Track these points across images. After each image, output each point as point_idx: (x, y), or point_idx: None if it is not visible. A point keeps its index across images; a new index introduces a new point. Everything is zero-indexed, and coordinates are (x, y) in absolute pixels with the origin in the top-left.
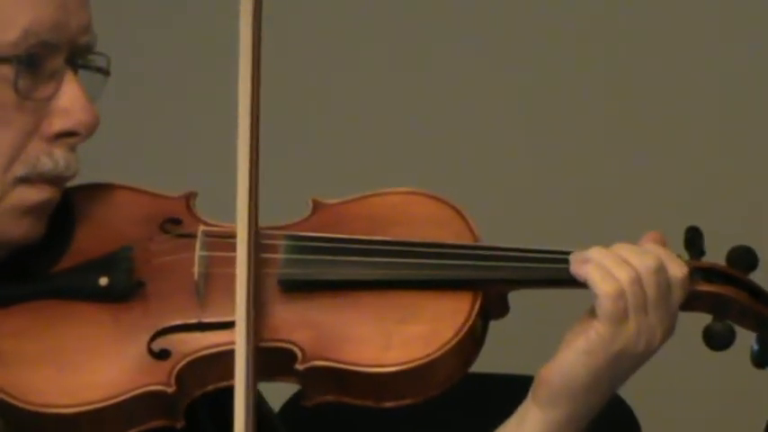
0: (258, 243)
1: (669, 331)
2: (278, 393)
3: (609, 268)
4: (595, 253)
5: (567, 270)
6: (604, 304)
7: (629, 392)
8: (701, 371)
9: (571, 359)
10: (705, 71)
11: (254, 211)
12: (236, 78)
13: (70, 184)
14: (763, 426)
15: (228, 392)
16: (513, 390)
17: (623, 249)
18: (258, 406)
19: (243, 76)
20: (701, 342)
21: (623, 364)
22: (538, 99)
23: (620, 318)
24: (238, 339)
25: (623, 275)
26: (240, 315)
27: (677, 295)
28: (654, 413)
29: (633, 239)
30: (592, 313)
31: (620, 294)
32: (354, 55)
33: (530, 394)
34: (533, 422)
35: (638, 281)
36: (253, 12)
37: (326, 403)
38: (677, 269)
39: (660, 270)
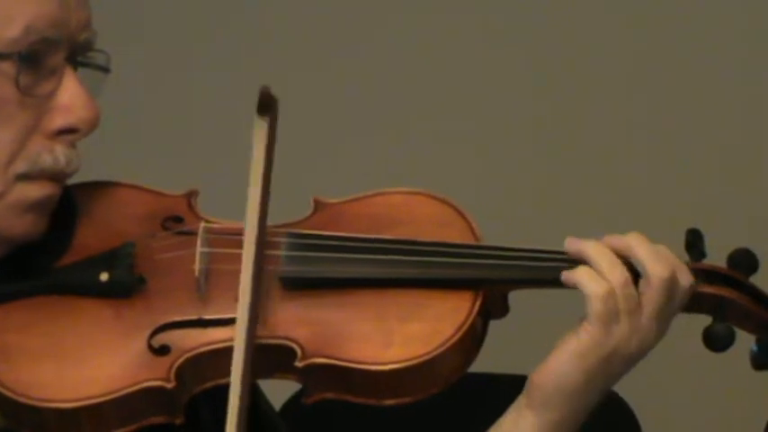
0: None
1: (663, 333)
2: (279, 392)
3: (601, 270)
4: (591, 249)
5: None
6: (595, 305)
7: (630, 392)
8: (701, 371)
9: (563, 361)
10: (707, 73)
11: (264, 210)
12: (237, 76)
13: (72, 181)
14: (763, 426)
15: (227, 389)
16: (512, 389)
17: (641, 250)
18: (259, 404)
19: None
20: (701, 343)
21: (616, 365)
22: (540, 100)
23: (611, 319)
24: (238, 332)
25: (615, 276)
26: (242, 310)
27: (679, 301)
28: (654, 413)
29: None
30: (585, 317)
31: (611, 295)
32: (358, 54)
33: (523, 398)
34: (527, 425)
35: (630, 283)
36: None
37: (327, 401)
38: (684, 278)
39: (672, 279)
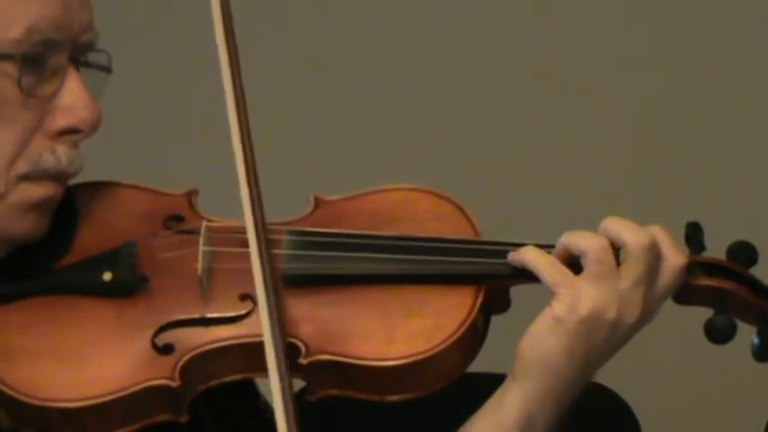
0: (266, 236)
1: (649, 314)
2: None
3: (577, 236)
4: (565, 234)
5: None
6: (559, 267)
7: (629, 392)
8: (701, 370)
9: (540, 328)
10: (708, 68)
11: (257, 204)
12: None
13: (74, 181)
14: (764, 426)
15: (229, 387)
16: None
17: (616, 223)
18: (258, 402)
19: (224, 72)
20: (701, 341)
21: (596, 333)
22: (538, 94)
23: (572, 281)
24: (266, 333)
25: (587, 242)
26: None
27: (667, 279)
28: (654, 412)
29: None
30: None
31: (571, 255)
32: (357, 50)
33: (508, 372)
34: (512, 398)
35: (605, 248)
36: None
37: (331, 397)
38: (675, 255)
39: (652, 248)
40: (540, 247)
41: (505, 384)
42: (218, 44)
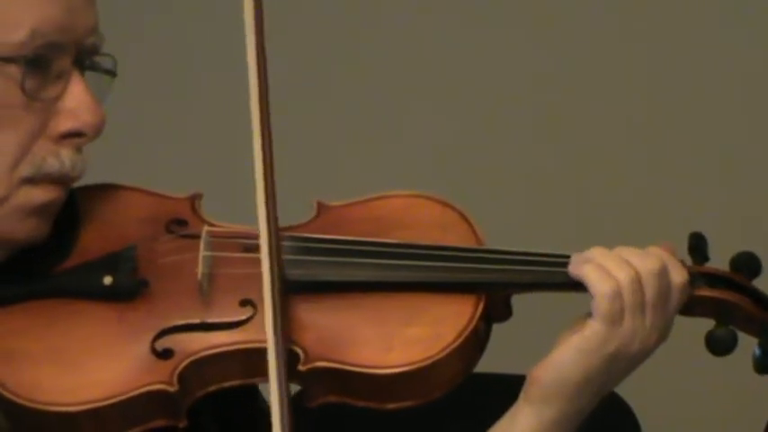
0: (254, 244)
1: (664, 335)
2: None
3: (608, 268)
4: (596, 252)
5: (569, 274)
6: (601, 304)
7: (629, 392)
8: (701, 371)
9: (565, 358)
10: (712, 75)
11: (273, 212)
12: (244, 80)
13: (76, 184)
14: (763, 426)
15: (231, 390)
16: (514, 389)
17: (625, 251)
18: (259, 406)
19: (252, 78)
20: (700, 343)
21: (617, 364)
22: (544, 102)
23: (616, 318)
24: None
25: (622, 275)
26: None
27: (676, 300)
28: (654, 413)
29: (638, 244)
30: (587, 315)
31: (617, 294)
32: (361, 57)
33: (522, 393)
34: (525, 421)
35: (637, 281)
36: (255, 17)
37: (330, 404)
38: (678, 274)
39: (662, 273)
40: (550, 257)
41: (518, 407)
42: (246, 47)
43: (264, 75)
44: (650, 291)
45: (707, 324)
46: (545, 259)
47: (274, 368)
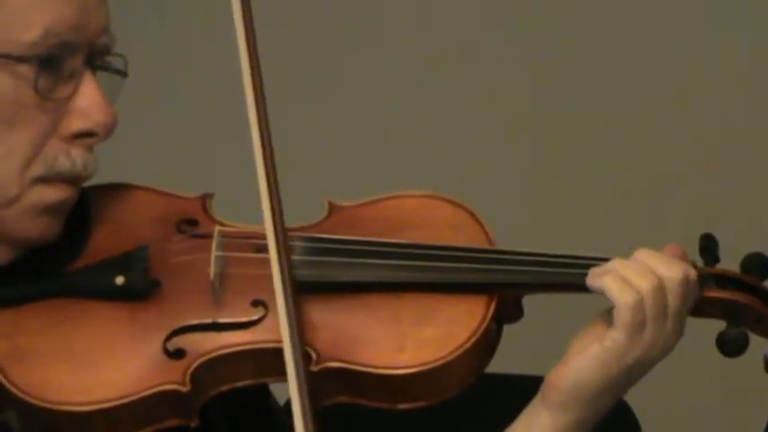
0: (266, 244)
1: (680, 336)
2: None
3: (629, 278)
4: (616, 264)
5: (583, 276)
6: (623, 314)
7: (629, 392)
8: (701, 371)
9: (584, 366)
10: (722, 75)
11: (278, 209)
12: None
13: (88, 183)
14: (763, 426)
15: (242, 390)
16: (525, 390)
17: (647, 256)
18: (270, 405)
19: (245, 78)
20: (701, 342)
21: (637, 371)
22: (556, 104)
23: (639, 328)
24: (285, 340)
25: (644, 284)
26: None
27: (692, 302)
28: (654, 413)
29: (649, 246)
30: (606, 319)
31: (640, 305)
32: (373, 58)
33: (538, 397)
34: (542, 426)
35: (660, 290)
36: (242, 14)
37: (341, 404)
38: (693, 276)
39: (686, 281)
40: (562, 258)
41: (536, 410)
42: (238, 46)
43: (258, 72)
44: (674, 299)
45: (708, 323)
46: (559, 261)
47: (293, 370)
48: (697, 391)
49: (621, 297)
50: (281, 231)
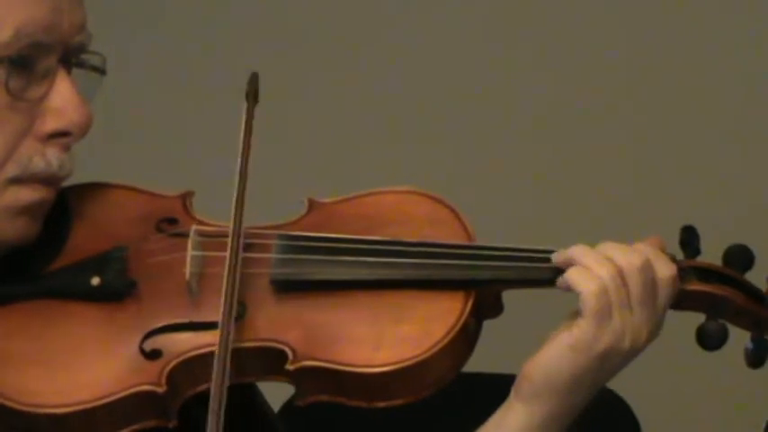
0: (244, 242)
1: (655, 331)
2: (279, 393)
3: (589, 266)
4: (576, 251)
5: (552, 270)
6: (587, 302)
7: (629, 392)
8: (700, 371)
9: (554, 355)
10: (704, 69)
11: (240, 209)
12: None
13: (66, 183)
14: (763, 426)
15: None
16: (505, 389)
17: (608, 247)
18: (258, 405)
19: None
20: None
21: (608, 361)
22: (533, 98)
23: (604, 315)
24: (219, 339)
25: (604, 272)
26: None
27: (664, 294)
28: (654, 413)
29: (629, 239)
30: (577, 313)
31: (603, 291)
32: (351, 52)
33: (513, 389)
34: (516, 418)
35: (619, 277)
36: None
37: (321, 403)
38: (664, 268)
39: (646, 268)
40: (539, 252)
41: (509, 403)
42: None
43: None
44: (634, 286)
45: (700, 319)
46: (535, 255)
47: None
48: (697, 390)
49: (584, 285)
50: (239, 224)
